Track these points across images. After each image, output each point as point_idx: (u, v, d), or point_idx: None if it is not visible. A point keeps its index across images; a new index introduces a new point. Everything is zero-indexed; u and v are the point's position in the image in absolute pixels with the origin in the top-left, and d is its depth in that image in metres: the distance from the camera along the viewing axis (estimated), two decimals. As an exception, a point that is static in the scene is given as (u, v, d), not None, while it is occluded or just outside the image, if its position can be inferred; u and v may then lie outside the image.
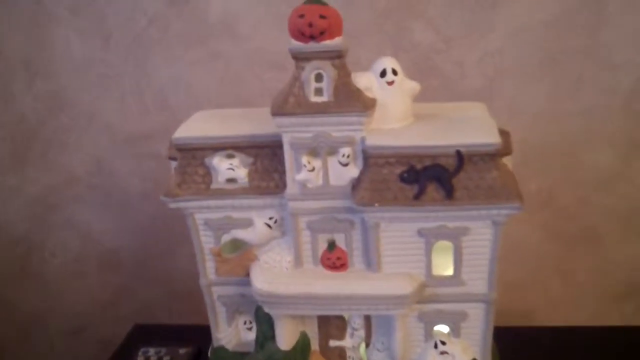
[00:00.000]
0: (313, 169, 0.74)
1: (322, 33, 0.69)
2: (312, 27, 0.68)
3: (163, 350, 1.02)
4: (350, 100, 0.71)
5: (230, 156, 0.77)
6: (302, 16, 0.68)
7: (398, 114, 0.76)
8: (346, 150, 0.73)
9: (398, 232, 0.75)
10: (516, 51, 1.12)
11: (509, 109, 1.14)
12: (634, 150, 1.17)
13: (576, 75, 1.12)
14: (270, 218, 0.79)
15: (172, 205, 0.79)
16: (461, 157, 0.71)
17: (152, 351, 1.02)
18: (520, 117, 1.15)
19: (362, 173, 0.73)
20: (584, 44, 1.10)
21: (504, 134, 0.75)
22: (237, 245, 0.81)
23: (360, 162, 0.74)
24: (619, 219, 1.23)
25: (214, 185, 0.78)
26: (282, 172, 0.76)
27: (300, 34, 0.69)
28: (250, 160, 0.77)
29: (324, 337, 0.85)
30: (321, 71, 0.71)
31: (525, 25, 1.10)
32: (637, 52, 1.10)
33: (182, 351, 1.01)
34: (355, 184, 0.74)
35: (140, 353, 1.02)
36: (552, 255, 1.26)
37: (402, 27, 1.13)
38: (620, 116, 1.14)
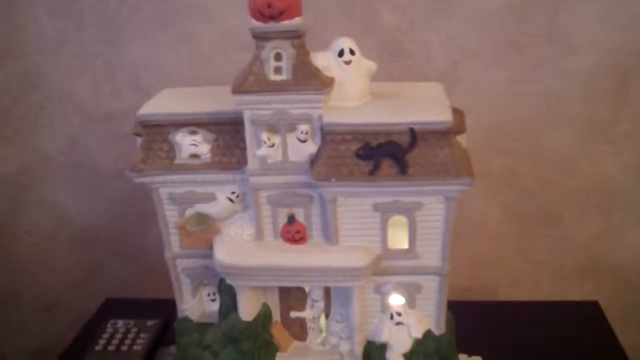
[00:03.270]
0: (273, 145, 0.76)
1: (281, 13, 0.71)
2: (272, 8, 0.71)
3: (131, 322, 1.04)
4: (309, 79, 0.73)
5: (193, 132, 0.79)
6: (261, -4, 0.71)
7: (355, 92, 0.78)
8: (304, 127, 0.75)
9: (355, 206, 0.77)
10: (478, 34, 1.15)
11: (473, 90, 1.17)
12: (593, 132, 1.20)
13: (537, 57, 1.15)
14: (233, 192, 0.81)
15: (137, 180, 0.81)
16: (414, 135, 0.73)
17: (120, 323, 1.04)
18: (484, 99, 1.18)
19: (319, 149, 0.76)
20: (544, 27, 1.13)
21: (457, 112, 0.78)
22: (201, 219, 0.83)
23: (318, 138, 0.76)
24: (579, 199, 1.26)
25: (177, 161, 0.80)
26: (244, 148, 0.78)
27: (260, 14, 0.71)
28: (213, 136, 0.79)
29: (285, 309, 0.88)
30: (280, 50, 0.73)
31: (487, 9, 1.13)
32: (596, 34, 1.13)
33: (149, 323, 1.03)
34: (314, 160, 0.76)
35: (109, 325, 1.04)
36: (514, 233, 1.30)
37: (370, 9, 1.15)
38: (579, 98, 1.18)
